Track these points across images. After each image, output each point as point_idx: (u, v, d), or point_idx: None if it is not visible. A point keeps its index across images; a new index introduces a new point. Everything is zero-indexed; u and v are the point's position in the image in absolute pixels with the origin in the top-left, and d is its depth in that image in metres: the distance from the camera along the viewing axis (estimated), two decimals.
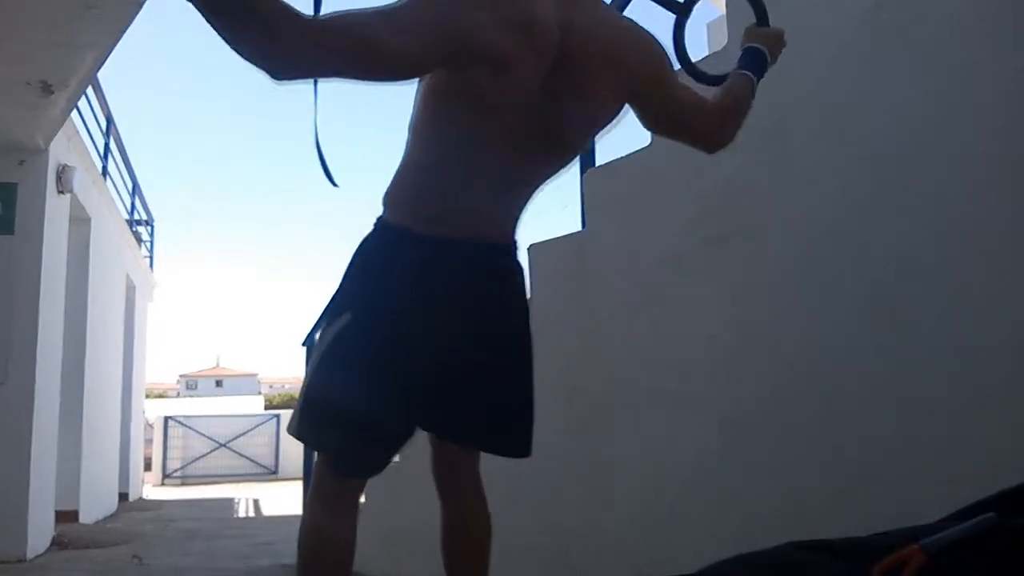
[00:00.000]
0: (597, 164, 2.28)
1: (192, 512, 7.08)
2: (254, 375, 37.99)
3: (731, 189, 1.77)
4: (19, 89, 3.38)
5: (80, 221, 5.27)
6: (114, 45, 3.12)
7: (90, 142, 5.41)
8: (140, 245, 8.20)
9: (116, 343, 6.93)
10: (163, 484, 11.46)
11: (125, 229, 7.12)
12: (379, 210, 1.19)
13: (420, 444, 1.23)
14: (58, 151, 4.32)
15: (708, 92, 1.32)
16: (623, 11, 1.29)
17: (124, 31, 3.00)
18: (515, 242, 1.24)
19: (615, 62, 1.14)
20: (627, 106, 1.21)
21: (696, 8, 1.42)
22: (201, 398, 23.76)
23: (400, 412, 1.12)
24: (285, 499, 7.09)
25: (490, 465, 1.27)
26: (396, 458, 1.22)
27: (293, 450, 10.71)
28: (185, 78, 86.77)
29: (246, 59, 0.92)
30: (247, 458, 12.30)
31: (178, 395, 31.23)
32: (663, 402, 1.88)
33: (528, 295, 1.28)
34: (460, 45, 1.02)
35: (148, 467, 10.63)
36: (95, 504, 5.95)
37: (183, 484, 11.47)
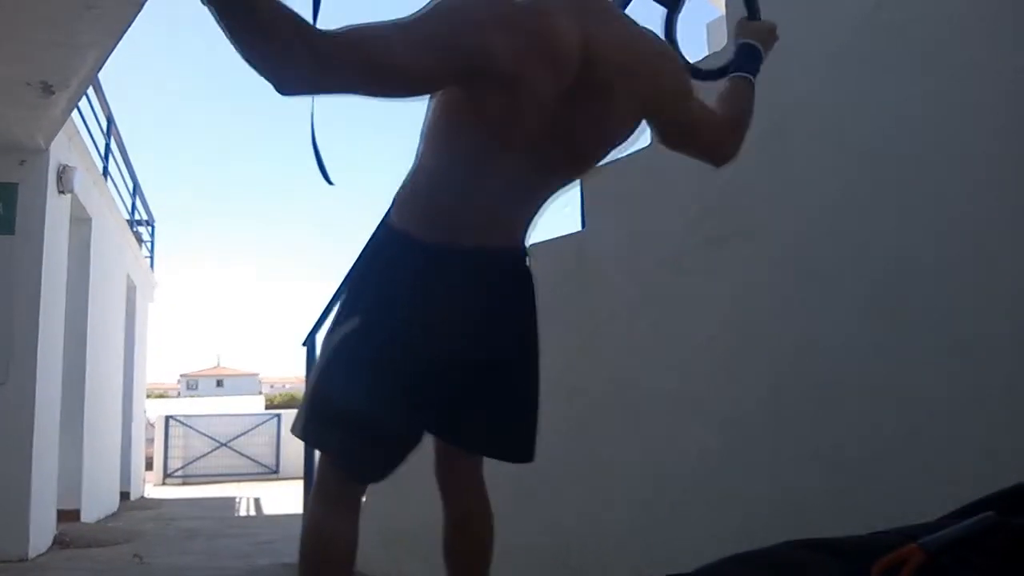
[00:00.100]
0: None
1: (193, 511, 7.08)
2: (255, 375, 38.02)
3: (731, 189, 1.76)
4: (20, 89, 3.38)
5: (81, 221, 5.27)
6: (115, 45, 3.12)
7: (91, 142, 5.41)
8: (141, 245, 8.20)
9: (117, 343, 6.93)
10: (164, 483, 11.46)
11: (126, 229, 7.12)
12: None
13: (421, 445, 1.23)
14: (59, 151, 4.32)
15: (704, 92, 1.32)
16: (624, 9, 1.27)
17: (125, 31, 3.01)
18: (525, 248, 1.23)
19: (637, 78, 1.12)
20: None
21: (688, 3, 1.41)
22: (202, 398, 23.78)
23: (404, 415, 1.12)
24: (286, 498, 7.09)
25: (490, 465, 1.27)
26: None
27: (294, 450, 10.71)
28: (185, 78, 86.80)
29: (257, 71, 0.90)
30: (248, 457, 12.31)
31: (179, 395, 31.26)
32: (663, 402, 1.88)
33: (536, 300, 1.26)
34: (474, 62, 1.00)
35: (149, 466, 10.63)
36: (96, 503, 5.95)
37: (184, 483, 11.48)
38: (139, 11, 2.86)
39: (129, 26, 2.96)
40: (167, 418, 12.43)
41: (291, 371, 34.09)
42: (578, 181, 1.23)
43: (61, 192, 4.38)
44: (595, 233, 2.20)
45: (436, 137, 1.13)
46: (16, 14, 2.83)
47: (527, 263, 1.24)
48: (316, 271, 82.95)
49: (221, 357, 42.00)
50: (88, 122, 5.35)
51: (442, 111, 1.10)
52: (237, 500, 8.46)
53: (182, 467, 12.12)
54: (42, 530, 4.14)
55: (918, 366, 1.38)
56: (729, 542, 0.95)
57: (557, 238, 2.27)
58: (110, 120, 6.20)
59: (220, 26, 0.88)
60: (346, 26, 0.94)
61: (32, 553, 3.90)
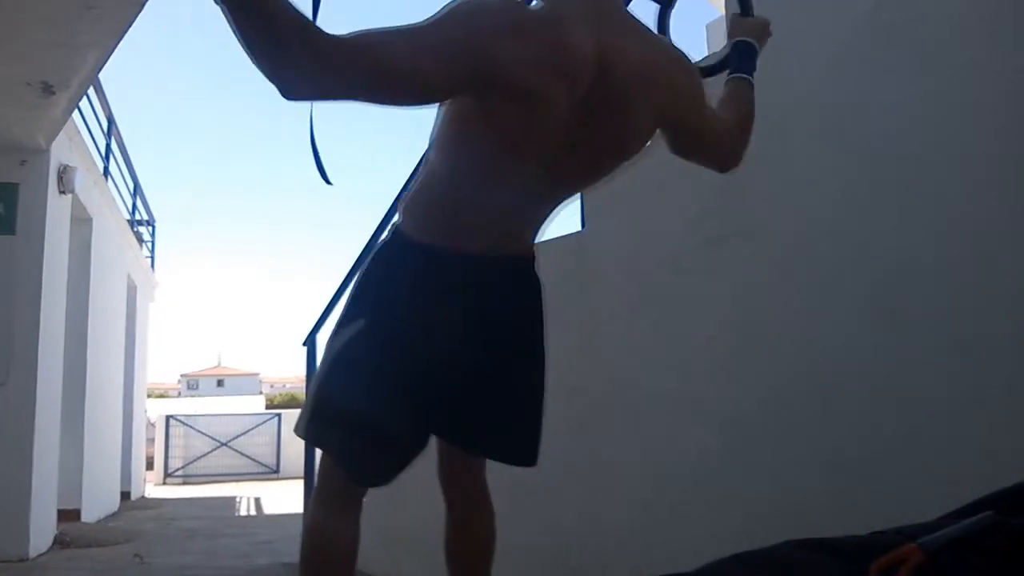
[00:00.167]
0: None
1: (193, 511, 7.08)
2: (255, 375, 38.04)
3: (731, 189, 1.76)
4: (20, 89, 3.39)
5: (81, 221, 5.28)
6: (115, 46, 3.13)
7: (91, 142, 5.42)
8: (141, 245, 8.20)
9: (117, 343, 6.93)
10: (165, 483, 11.47)
11: (126, 229, 7.13)
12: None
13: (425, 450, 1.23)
14: (59, 151, 4.32)
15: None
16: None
17: (125, 32, 3.01)
18: (533, 254, 1.23)
19: (653, 88, 1.10)
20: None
21: (688, 4, 1.40)
22: (202, 398, 23.79)
23: (405, 416, 1.12)
24: (286, 498, 7.09)
25: (491, 465, 1.27)
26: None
27: (294, 449, 10.72)
28: (186, 78, 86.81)
29: (262, 73, 0.89)
30: (248, 457, 12.31)
31: (179, 395, 31.27)
32: (663, 402, 1.88)
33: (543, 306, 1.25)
34: (484, 71, 0.97)
35: (150, 466, 10.64)
36: (97, 503, 5.95)
37: (185, 483, 11.49)
38: (140, 11, 2.86)
39: (130, 26, 2.97)
40: (168, 418, 12.44)
41: (291, 371, 34.11)
42: (592, 189, 1.21)
43: (62, 192, 4.38)
44: (595, 233, 2.20)
45: (446, 145, 1.11)
46: (16, 14, 2.83)
47: (534, 268, 1.23)
48: (317, 271, 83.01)
49: (222, 357, 42.05)
50: (89, 122, 5.35)
51: (453, 119, 1.08)
52: (237, 500, 8.47)
53: (182, 467, 12.12)
54: (42, 530, 4.14)
55: (918, 366, 1.38)
56: (729, 542, 0.95)
57: (557, 238, 2.27)
58: (111, 120, 6.20)
59: (229, 24, 0.87)
60: (355, 31, 0.93)
61: (32, 553, 3.91)
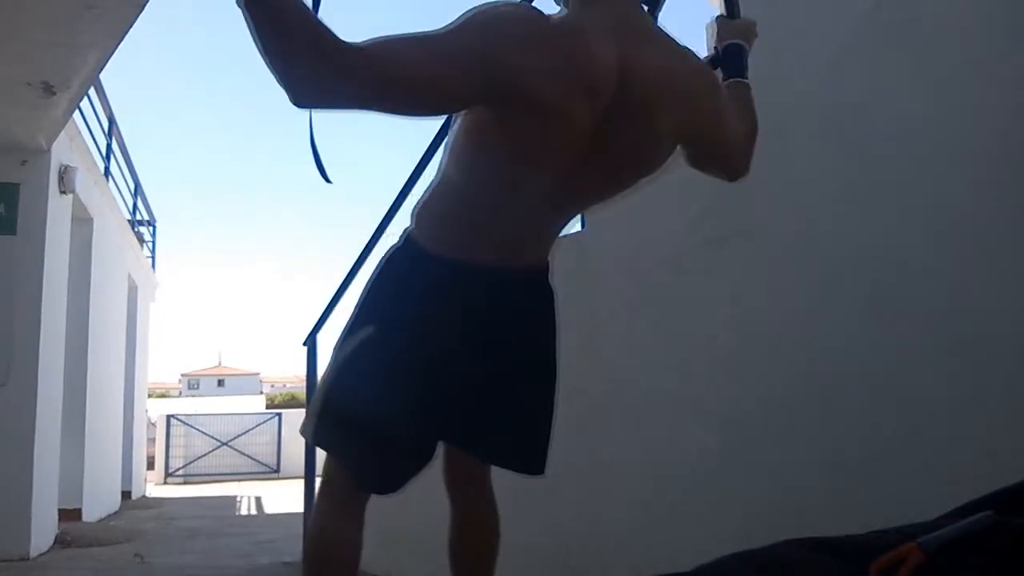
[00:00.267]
0: None
1: (194, 510, 7.09)
2: (256, 374, 38.06)
3: (731, 189, 1.75)
4: (21, 90, 3.39)
5: (82, 221, 5.28)
6: (116, 46, 3.13)
7: (92, 142, 5.42)
8: (142, 245, 8.21)
9: (118, 343, 6.94)
10: (165, 482, 11.48)
11: (127, 229, 7.13)
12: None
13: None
14: (60, 151, 4.33)
15: None
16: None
17: (126, 32, 3.01)
18: (547, 265, 1.22)
19: (677, 102, 1.07)
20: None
21: (688, 3, 1.39)
22: (203, 397, 23.82)
23: (416, 427, 1.12)
24: (287, 497, 7.10)
25: (494, 467, 1.27)
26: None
27: (295, 449, 10.73)
28: (186, 77, 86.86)
29: (275, 77, 0.88)
30: (249, 457, 12.33)
31: (180, 394, 31.31)
32: (663, 402, 1.88)
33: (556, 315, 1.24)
34: (500, 81, 0.95)
35: (151, 465, 10.65)
36: (98, 502, 5.96)
37: (185, 482, 11.50)
38: (140, 11, 2.87)
39: (131, 27, 2.97)
40: (168, 417, 12.46)
41: (292, 371, 34.14)
42: (610, 202, 1.19)
43: (63, 192, 4.38)
44: (595, 233, 2.20)
45: (462, 155, 1.09)
46: (17, 14, 2.84)
47: (548, 279, 1.22)
48: (317, 270, 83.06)
49: (222, 357, 42.08)
50: (89, 122, 5.36)
51: (469, 129, 1.06)
52: (238, 499, 8.48)
53: (183, 466, 12.14)
54: (43, 529, 4.14)
55: (918, 366, 1.38)
56: (729, 542, 0.95)
57: (557, 238, 2.26)
58: (111, 120, 6.21)
59: (249, 28, 0.86)
60: (371, 38, 0.91)
61: (34, 552, 3.91)
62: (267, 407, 16.19)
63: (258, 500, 8.30)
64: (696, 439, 1.78)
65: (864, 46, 1.57)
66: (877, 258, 1.49)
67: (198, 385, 36.79)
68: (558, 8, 1.10)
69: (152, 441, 11.06)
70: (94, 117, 5.59)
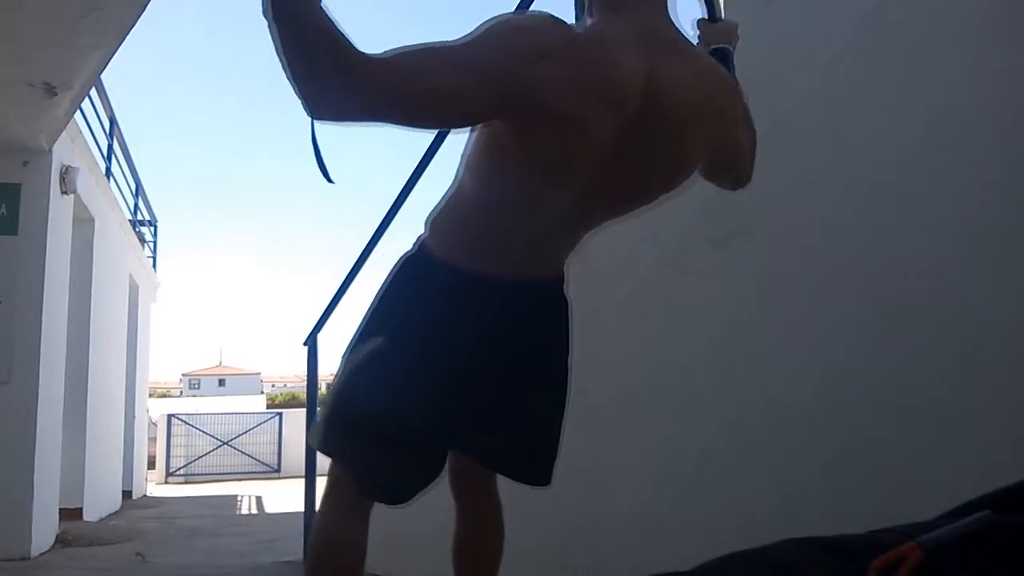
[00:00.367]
0: None
1: (195, 509, 7.09)
2: (256, 374, 38.10)
3: None
4: (22, 90, 3.39)
5: (83, 222, 5.28)
6: (117, 46, 3.13)
7: (93, 143, 5.42)
8: (143, 245, 8.21)
9: (119, 343, 6.95)
10: (166, 482, 11.49)
11: (128, 230, 7.14)
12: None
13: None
14: (62, 152, 4.33)
15: None
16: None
17: (127, 32, 3.01)
18: (563, 276, 1.21)
19: (704, 116, 1.05)
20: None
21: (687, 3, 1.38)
22: (204, 397, 23.84)
23: (427, 438, 1.11)
24: (287, 497, 7.10)
25: None
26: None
27: (295, 449, 10.74)
28: (187, 76, 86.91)
29: (293, 89, 0.87)
30: (250, 456, 12.33)
31: (181, 394, 31.35)
32: (663, 402, 1.88)
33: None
34: (518, 94, 0.93)
35: (152, 465, 10.66)
36: (99, 502, 5.97)
37: (186, 482, 11.51)
38: (142, 12, 2.87)
39: (132, 27, 2.97)
40: (169, 417, 12.47)
41: (292, 370, 34.15)
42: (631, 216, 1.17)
43: (64, 193, 4.39)
44: (595, 233, 2.20)
45: (479, 167, 1.08)
46: (18, 14, 2.84)
47: (564, 290, 1.21)
48: (318, 270, 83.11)
49: (223, 356, 42.12)
50: (91, 122, 5.36)
51: (486, 141, 1.04)
52: (239, 499, 8.48)
53: (184, 466, 12.14)
54: (44, 529, 4.15)
55: (918, 366, 1.39)
56: (729, 542, 0.95)
57: None
58: (112, 120, 6.21)
59: (272, 39, 0.86)
60: (388, 51, 0.89)
61: (34, 551, 3.92)
62: (268, 407, 16.22)
63: (259, 500, 8.31)
64: (696, 439, 1.78)
65: (864, 46, 1.57)
66: (877, 258, 1.49)
67: (199, 385, 36.84)
68: (581, 19, 1.10)
69: (153, 440, 11.07)
70: (95, 117, 5.59)
